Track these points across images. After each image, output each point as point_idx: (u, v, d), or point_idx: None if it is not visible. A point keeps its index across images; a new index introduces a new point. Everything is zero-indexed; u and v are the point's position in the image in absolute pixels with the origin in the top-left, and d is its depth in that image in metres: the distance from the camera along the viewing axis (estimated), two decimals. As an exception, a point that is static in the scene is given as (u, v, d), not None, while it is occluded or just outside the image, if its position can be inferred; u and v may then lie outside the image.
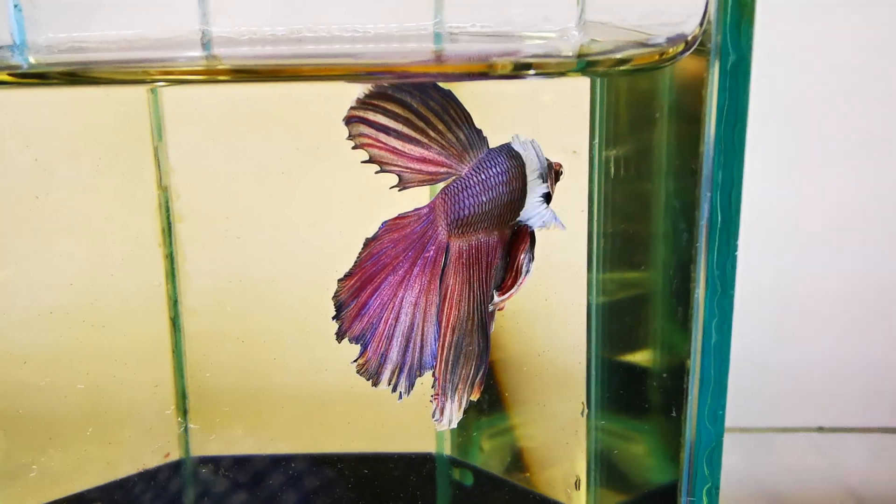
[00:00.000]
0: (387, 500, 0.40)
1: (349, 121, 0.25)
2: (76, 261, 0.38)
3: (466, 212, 0.26)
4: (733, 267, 0.25)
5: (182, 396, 0.40)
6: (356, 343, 0.27)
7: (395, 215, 0.27)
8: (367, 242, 0.27)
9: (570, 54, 0.26)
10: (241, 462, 0.40)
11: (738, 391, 0.58)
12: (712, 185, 0.24)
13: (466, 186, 0.26)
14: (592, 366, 0.36)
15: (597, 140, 0.32)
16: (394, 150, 0.25)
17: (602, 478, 0.38)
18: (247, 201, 0.38)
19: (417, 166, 0.26)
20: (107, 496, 0.39)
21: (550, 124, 0.33)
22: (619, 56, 0.26)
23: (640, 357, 0.37)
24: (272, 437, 0.40)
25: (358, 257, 0.27)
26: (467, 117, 0.26)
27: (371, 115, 0.25)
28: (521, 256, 0.28)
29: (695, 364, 0.25)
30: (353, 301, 0.27)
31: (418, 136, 0.25)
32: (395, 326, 0.27)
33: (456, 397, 0.28)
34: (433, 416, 0.28)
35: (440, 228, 0.27)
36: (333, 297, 0.27)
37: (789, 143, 0.55)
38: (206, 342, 0.39)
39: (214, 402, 0.40)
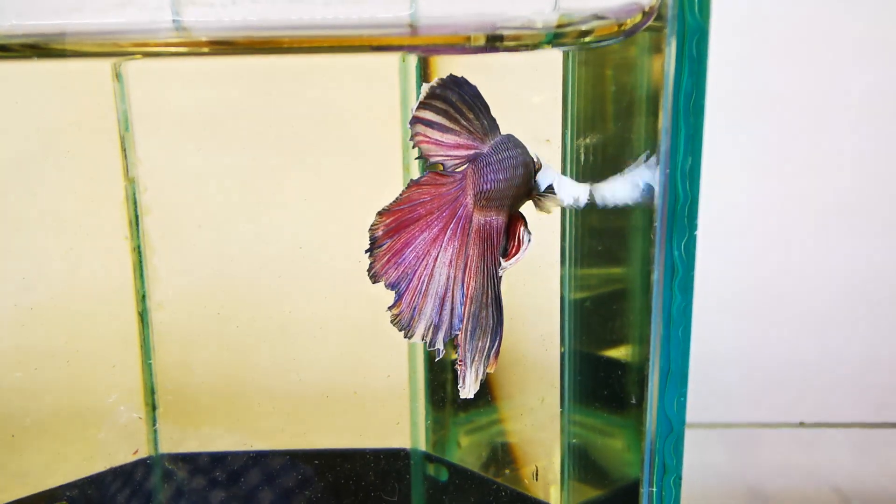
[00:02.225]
0: (361, 496, 0.39)
1: (412, 122, 0.27)
2: (38, 255, 0.37)
3: (488, 186, 0.28)
4: (693, 247, 0.24)
5: (151, 392, 0.39)
6: (390, 290, 0.28)
7: (440, 170, 0.28)
8: (410, 185, 0.28)
9: (541, 27, 0.26)
10: (212, 459, 0.40)
11: (719, 386, 0.58)
12: (670, 162, 0.23)
13: (489, 163, 0.28)
14: (566, 360, 0.36)
15: (569, 128, 0.32)
16: (437, 143, 0.28)
17: (577, 472, 0.37)
18: (218, 192, 0.37)
19: (454, 153, 0.28)
20: (72, 493, 0.38)
21: (523, 105, 0.33)
22: (582, 28, 0.26)
23: (615, 351, 0.36)
24: (244, 434, 0.40)
25: (398, 196, 0.28)
26: (487, 107, 0.28)
27: (422, 113, 0.27)
28: (521, 229, 0.29)
29: (654, 349, 0.24)
30: (387, 241, 0.28)
31: (452, 126, 0.27)
32: (428, 283, 0.28)
33: (472, 368, 0.29)
34: (457, 384, 0.29)
35: (468, 197, 0.28)
36: (370, 229, 0.28)
37: (774, 138, 0.54)
38: (176, 337, 0.39)
39: (185, 399, 0.39)
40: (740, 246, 0.56)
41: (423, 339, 0.28)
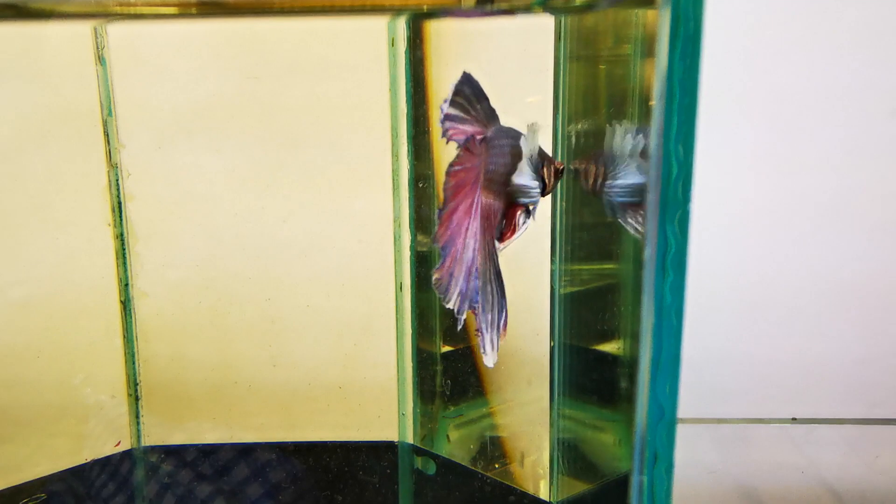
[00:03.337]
0: (348, 489, 0.39)
1: (444, 120, 0.28)
2: (16, 243, 0.36)
3: (492, 167, 0.29)
4: (687, 222, 0.23)
5: (134, 383, 0.38)
6: (442, 252, 0.29)
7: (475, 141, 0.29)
8: (461, 149, 0.29)
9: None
10: (197, 452, 0.39)
11: (712, 382, 0.58)
12: (663, 131, 0.22)
13: (493, 146, 0.29)
14: (556, 354, 0.35)
15: (560, 114, 0.31)
16: (462, 132, 0.29)
17: (567, 465, 0.37)
18: (205, 179, 0.37)
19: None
20: (51, 486, 0.37)
21: (512, 82, 0.33)
22: None
23: (605, 345, 0.36)
24: (230, 426, 0.39)
25: (456, 156, 0.29)
26: (488, 98, 0.30)
27: (451, 110, 0.28)
28: (518, 213, 0.30)
29: (646, 331, 0.23)
30: (447, 205, 0.29)
31: (466, 116, 0.29)
32: (463, 252, 0.29)
33: (488, 339, 0.30)
34: (483, 353, 0.30)
35: (481, 174, 0.29)
36: (443, 188, 0.29)
37: (767, 137, 0.54)
38: (160, 327, 0.38)
39: (169, 390, 0.39)
40: (732, 242, 0.55)
41: (453, 306, 0.29)
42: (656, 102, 0.21)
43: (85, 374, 0.37)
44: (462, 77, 0.28)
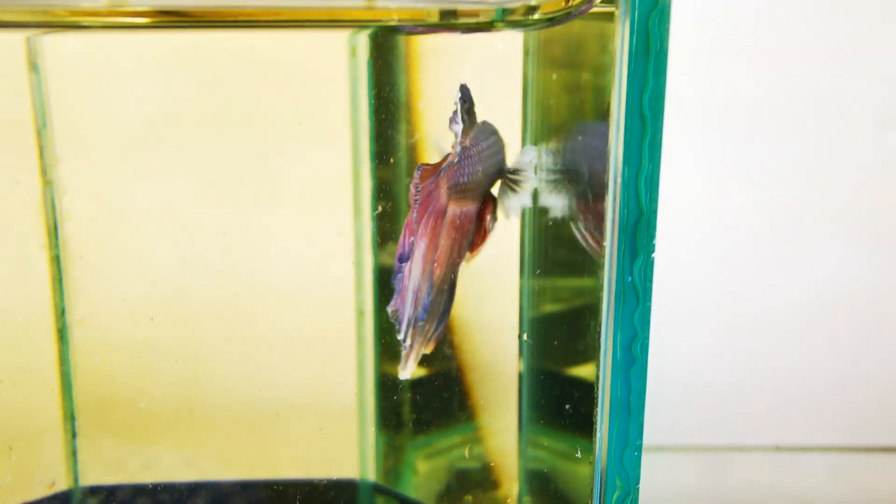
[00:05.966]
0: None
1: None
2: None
3: (465, 179, 0.29)
4: (650, 271, 0.20)
5: (70, 418, 0.36)
6: (393, 284, 0.29)
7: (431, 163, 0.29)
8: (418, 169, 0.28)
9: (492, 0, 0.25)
10: (136, 491, 0.36)
11: (693, 408, 0.57)
12: (622, 170, 0.20)
13: (468, 155, 0.29)
14: (525, 379, 0.33)
15: (528, 125, 0.30)
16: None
17: (536, 499, 0.35)
18: (150, 195, 0.34)
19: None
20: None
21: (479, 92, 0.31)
22: (531, 3, 0.23)
23: (577, 370, 0.34)
24: (171, 464, 0.37)
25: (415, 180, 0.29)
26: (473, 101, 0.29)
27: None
28: (488, 217, 0.30)
29: (604, 394, 0.21)
30: (405, 230, 0.28)
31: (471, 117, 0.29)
32: (409, 277, 0.29)
33: (414, 351, 0.30)
34: (400, 366, 0.30)
35: (442, 191, 0.29)
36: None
37: (743, 148, 0.53)
38: (99, 357, 0.36)
39: (108, 425, 0.36)
40: (713, 262, 0.55)
41: (400, 337, 0.29)
42: (612, 136, 0.18)
43: (13, 409, 0.35)
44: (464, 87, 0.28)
